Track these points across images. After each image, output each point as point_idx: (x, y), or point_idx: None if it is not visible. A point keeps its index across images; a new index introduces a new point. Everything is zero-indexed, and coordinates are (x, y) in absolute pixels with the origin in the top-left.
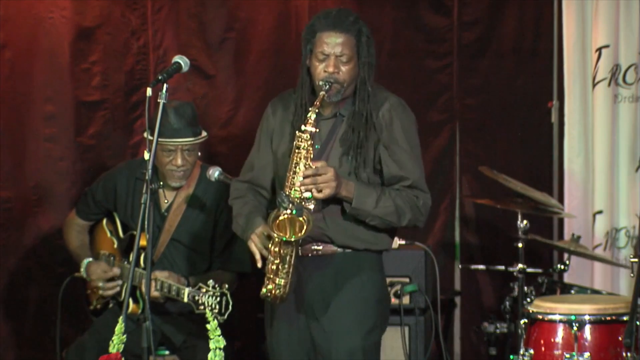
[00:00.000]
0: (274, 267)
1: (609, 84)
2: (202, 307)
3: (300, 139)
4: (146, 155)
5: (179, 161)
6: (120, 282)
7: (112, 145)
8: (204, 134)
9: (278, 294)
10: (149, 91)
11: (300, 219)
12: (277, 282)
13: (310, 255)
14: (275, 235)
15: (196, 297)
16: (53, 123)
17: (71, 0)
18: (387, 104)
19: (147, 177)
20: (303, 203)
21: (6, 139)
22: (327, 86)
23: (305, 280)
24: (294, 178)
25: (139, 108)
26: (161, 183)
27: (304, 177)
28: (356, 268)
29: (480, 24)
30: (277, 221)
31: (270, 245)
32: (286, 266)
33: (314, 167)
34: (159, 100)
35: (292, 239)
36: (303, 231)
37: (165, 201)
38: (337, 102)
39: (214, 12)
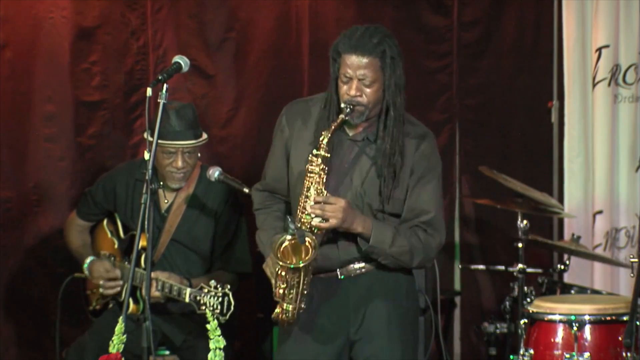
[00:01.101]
0: (281, 291)
1: (609, 84)
2: (203, 308)
3: (312, 163)
4: (146, 156)
5: (180, 163)
6: (120, 282)
7: (112, 145)
8: (205, 135)
9: (285, 319)
10: (149, 91)
11: (305, 244)
12: (284, 307)
13: (352, 275)
14: (281, 263)
15: (198, 298)
16: (53, 123)
17: (71, 0)
18: (430, 139)
19: (147, 177)
20: (313, 229)
21: (6, 139)
22: (349, 109)
23: (347, 301)
24: (305, 202)
25: (138, 108)
26: (161, 183)
27: (314, 202)
28: (395, 288)
29: (480, 24)
30: (282, 248)
31: (277, 270)
32: (293, 292)
33: (325, 194)
34: (159, 100)
35: (299, 265)
36: (309, 256)
37: (165, 201)
38: (367, 126)
39: (214, 12)
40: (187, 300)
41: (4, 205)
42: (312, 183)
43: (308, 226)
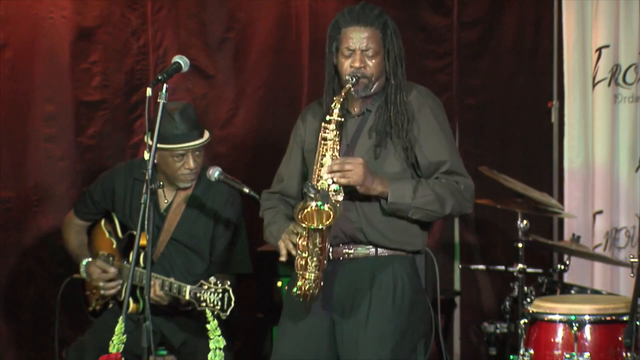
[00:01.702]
0: (303, 262)
1: (609, 84)
2: (203, 304)
3: (325, 130)
4: (146, 156)
5: (192, 164)
6: (120, 281)
7: (112, 145)
8: (207, 133)
9: (308, 291)
10: (149, 91)
11: (326, 208)
12: (307, 277)
13: (341, 258)
14: (303, 225)
15: (198, 294)
16: (53, 123)
17: (71, 0)
18: (414, 91)
19: (147, 177)
20: (330, 194)
21: (6, 139)
22: (354, 80)
23: (336, 283)
24: (320, 170)
25: (139, 108)
26: (161, 183)
27: (332, 165)
28: (390, 273)
29: (480, 24)
30: (304, 212)
31: (297, 240)
32: (315, 259)
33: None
34: (159, 100)
35: (320, 227)
36: (331, 219)
37: (165, 201)
38: (365, 100)
39: (214, 12)
40: (187, 297)
41: (4, 205)
42: (326, 150)
43: (323, 189)
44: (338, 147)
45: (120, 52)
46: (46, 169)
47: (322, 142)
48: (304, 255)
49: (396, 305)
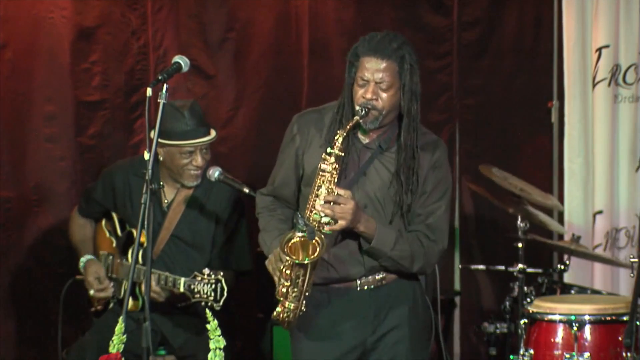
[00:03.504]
0: (284, 289)
1: (609, 84)
2: (197, 296)
3: (325, 162)
4: (146, 155)
5: (200, 161)
6: (111, 291)
7: (112, 145)
8: (213, 130)
9: (286, 319)
10: (149, 91)
11: (313, 242)
12: (286, 305)
13: (373, 287)
14: (287, 258)
15: (192, 286)
16: (53, 123)
17: (71, 0)
18: (442, 148)
19: (147, 177)
20: (321, 227)
21: (6, 139)
22: (364, 112)
23: (370, 309)
24: (315, 201)
25: (139, 108)
26: (161, 183)
27: (324, 202)
28: (417, 295)
29: (480, 24)
30: (290, 244)
31: (282, 267)
32: (296, 290)
33: (336, 193)
34: (159, 100)
35: (305, 262)
36: (316, 254)
37: (165, 201)
38: (381, 133)
39: (214, 12)
40: (182, 289)
41: (4, 205)
42: (323, 182)
43: (316, 225)
44: (335, 180)
45: (120, 52)
46: (46, 169)
47: (320, 172)
48: (286, 284)
49: (426, 326)
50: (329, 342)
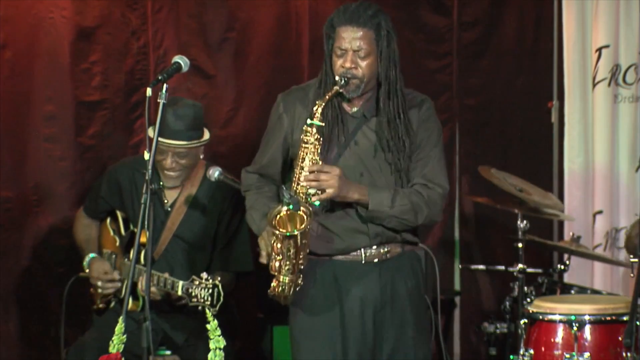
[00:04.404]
0: (277, 264)
1: (609, 84)
2: (195, 300)
3: (307, 133)
4: (146, 155)
5: (168, 164)
6: (119, 283)
7: (112, 145)
8: (205, 137)
9: (282, 293)
10: (149, 91)
11: (299, 213)
12: (280, 279)
13: (377, 260)
14: (276, 231)
15: (190, 290)
16: (53, 123)
17: (71, 0)
18: (428, 103)
19: (147, 177)
20: (309, 199)
21: (6, 139)
22: (343, 81)
23: (375, 283)
24: (300, 173)
25: (139, 108)
26: (161, 183)
27: (308, 173)
28: (417, 268)
29: (480, 24)
30: (277, 217)
31: (272, 242)
32: (288, 263)
33: (320, 162)
34: (159, 100)
35: (294, 233)
36: (304, 224)
37: (166, 201)
38: (364, 102)
39: (214, 12)
40: (179, 293)
41: (4, 205)
42: (306, 153)
43: (303, 196)
44: (318, 151)
45: (120, 52)
46: (46, 169)
47: (303, 145)
48: (278, 258)
49: (423, 300)
50: (335, 320)
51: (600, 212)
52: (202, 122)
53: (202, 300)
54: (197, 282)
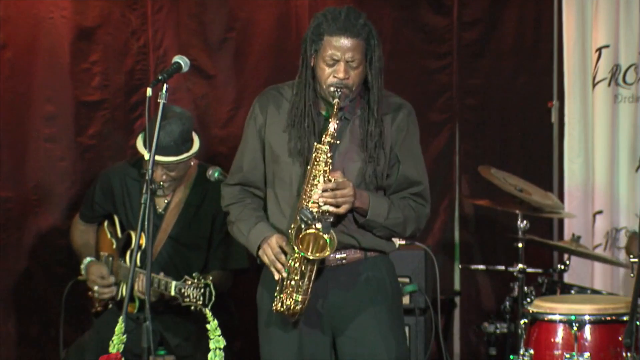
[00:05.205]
0: (293, 282)
1: (609, 84)
2: (187, 300)
3: (319, 151)
4: (146, 156)
5: (159, 176)
6: (114, 288)
7: (112, 145)
8: (194, 146)
9: (295, 310)
10: (149, 91)
11: (326, 236)
12: (294, 297)
13: (333, 265)
14: (297, 250)
15: (182, 290)
16: (53, 123)
17: (71, 0)
18: (405, 110)
19: (147, 177)
20: (324, 215)
21: (6, 139)
22: (339, 93)
23: (327, 293)
24: (311, 191)
25: (139, 108)
26: (161, 183)
27: (323, 191)
28: (380, 275)
29: (480, 24)
30: (301, 236)
31: (289, 261)
32: (306, 282)
33: (333, 180)
34: (159, 100)
35: (316, 257)
36: (326, 250)
37: (165, 201)
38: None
39: (214, 12)
40: (172, 293)
41: (4, 205)
42: (319, 172)
43: (317, 213)
44: (330, 169)
45: (120, 52)
46: (46, 169)
47: (315, 162)
48: (295, 277)
49: (392, 307)
50: (294, 325)
51: (600, 212)
52: (190, 132)
53: (194, 300)
54: (189, 282)
